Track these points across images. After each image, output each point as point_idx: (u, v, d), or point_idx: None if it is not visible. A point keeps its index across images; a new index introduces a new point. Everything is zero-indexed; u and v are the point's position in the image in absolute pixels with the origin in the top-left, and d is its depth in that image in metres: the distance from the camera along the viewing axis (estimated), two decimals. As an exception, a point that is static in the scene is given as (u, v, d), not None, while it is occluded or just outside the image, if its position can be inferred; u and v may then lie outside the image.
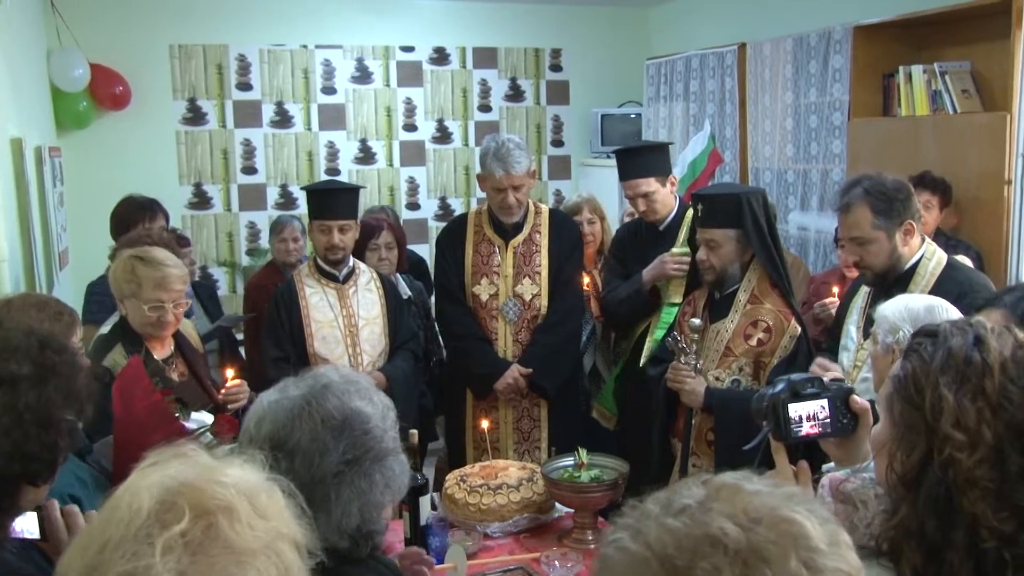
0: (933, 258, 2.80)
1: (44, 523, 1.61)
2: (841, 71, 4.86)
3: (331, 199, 3.60)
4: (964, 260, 3.06)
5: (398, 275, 4.37)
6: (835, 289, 3.70)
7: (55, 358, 1.63)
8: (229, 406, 2.95)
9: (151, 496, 0.94)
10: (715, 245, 3.06)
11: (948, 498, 1.21)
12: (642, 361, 3.70)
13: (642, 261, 3.83)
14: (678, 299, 3.67)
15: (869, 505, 1.52)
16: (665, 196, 3.78)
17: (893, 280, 2.82)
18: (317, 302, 3.60)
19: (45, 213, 4.49)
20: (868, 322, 2.84)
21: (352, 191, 3.71)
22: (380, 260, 4.23)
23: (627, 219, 4.74)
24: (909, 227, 2.78)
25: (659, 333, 3.64)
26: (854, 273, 3.87)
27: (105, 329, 3.12)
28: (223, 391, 2.98)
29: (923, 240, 2.85)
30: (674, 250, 3.71)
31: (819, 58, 5.02)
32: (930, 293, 2.64)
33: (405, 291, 4.25)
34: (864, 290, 2.98)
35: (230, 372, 3.04)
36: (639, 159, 3.80)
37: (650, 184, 3.72)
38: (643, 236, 3.91)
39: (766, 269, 3.05)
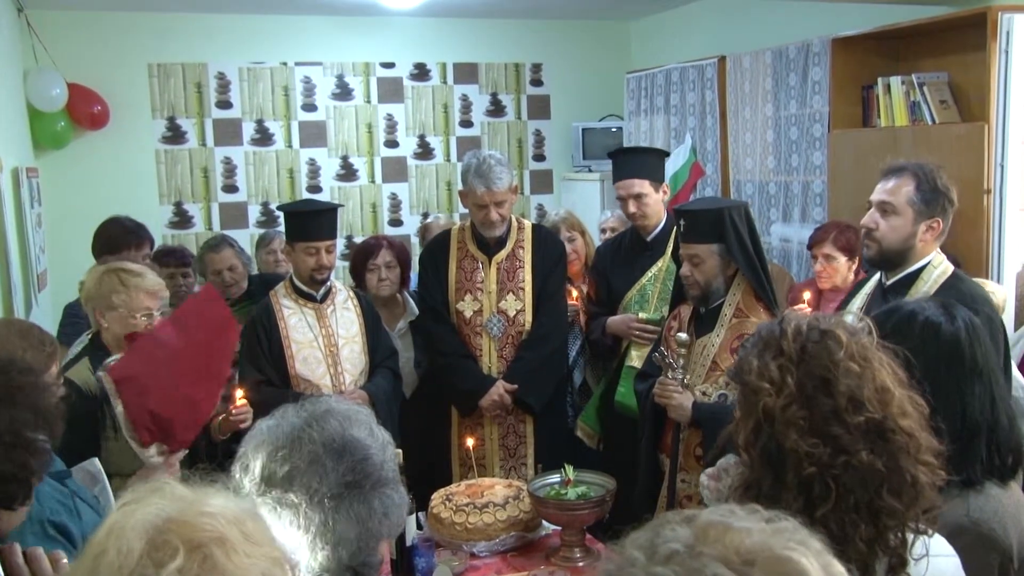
0: (940, 266, 2.75)
1: (6, 567, 1.56)
2: (820, 83, 4.88)
3: (315, 220, 3.56)
4: None
5: (406, 294, 4.29)
6: (806, 295, 3.70)
7: (19, 379, 1.61)
8: (241, 425, 3.05)
9: (139, 536, 0.91)
10: (699, 261, 3.05)
11: (778, 449, 1.45)
12: (616, 397, 3.71)
13: (626, 274, 3.82)
14: (654, 314, 3.68)
15: (730, 472, 1.67)
16: (656, 202, 3.77)
17: (896, 282, 2.79)
18: (296, 323, 3.56)
19: (23, 235, 4.45)
20: None
21: (333, 211, 3.67)
22: (380, 280, 4.10)
23: (609, 233, 4.74)
24: (936, 225, 2.73)
25: (634, 361, 3.66)
26: (826, 285, 3.91)
27: (74, 351, 3.11)
28: (232, 409, 3.08)
29: (937, 249, 2.80)
30: (642, 315, 3.70)
31: (798, 70, 5.05)
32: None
33: (414, 311, 4.18)
34: (863, 293, 2.96)
35: (239, 392, 3.13)
36: (634, 160, 3.81)
37: (644, 186, 3.71)
38: (627, 248, 3.89)
39: (751, 283, 3.04)
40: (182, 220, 6.27)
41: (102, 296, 2.90)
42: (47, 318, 4.55)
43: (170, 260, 4.38)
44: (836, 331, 1.49)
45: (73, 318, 3.80)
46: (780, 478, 1.44)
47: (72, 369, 2.87)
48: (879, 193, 2.79)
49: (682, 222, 3.11)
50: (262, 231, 6.01)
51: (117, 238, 4.11)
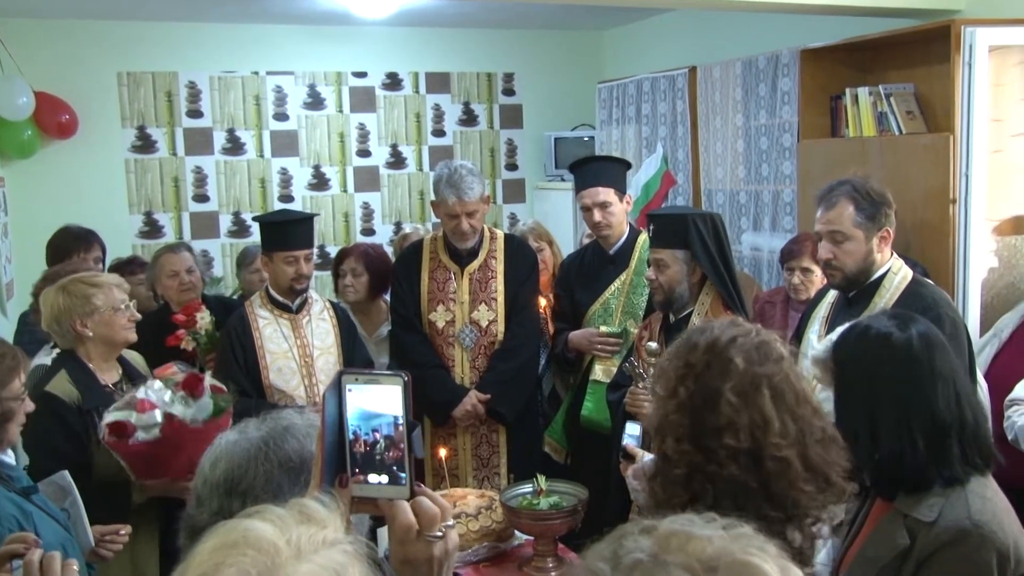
0: (899, 273, 2.82)
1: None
2: (789, 93, 4.93)
3: (293, 229, 3.58)
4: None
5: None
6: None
7: None
8: None
9: None
10: (663, 265, 3.09)
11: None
12: (583, 412, 3.71)
13: (590, 288, 3.82)
14: (616, 328, 3.69)
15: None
16: (621, 212, 3.74)
17: (859, 290, 2.84)
18: (271, 333, 3.55)
19: (-11, 245, 4.39)
20: (829, 332, 2.87)
21: (310, 220, 3.69)
22: (345, 286, 4.16)
23: (586, 240, 4.75)
24: (886, 234, 2.80)
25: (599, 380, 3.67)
26: (803, 297, 3.94)
27: (44, 360, 3.07)
28: None
29: (892, 254, 2.87)
30: (604, 328, 3.69)
31: (768, 81, 5.10)
32: (894, 306, 2.67)
33: None
34: (827, 301, 3.01)
35: None
36: (598, 168, 3.79)
37: (609, 194, 3.68)
38: (590, 262, 3.89)
39: (718, 291, 3.07)
40: (152, 230, 6.22)
41: (78, 304, 2.86)
42: (15, 329, 4.48)
43: (124, 269, 4.32)
44: (736, 359, 1.59)
45: (28, 327, 3.73)
46: (667, 475, 1.61)
47: (52, 383, 2.82)
48: (823, 224, 2.85)
49: (652, 226, 3.15)
50: (233, 241, 5.98)
51: (66, 244, 4.12)
